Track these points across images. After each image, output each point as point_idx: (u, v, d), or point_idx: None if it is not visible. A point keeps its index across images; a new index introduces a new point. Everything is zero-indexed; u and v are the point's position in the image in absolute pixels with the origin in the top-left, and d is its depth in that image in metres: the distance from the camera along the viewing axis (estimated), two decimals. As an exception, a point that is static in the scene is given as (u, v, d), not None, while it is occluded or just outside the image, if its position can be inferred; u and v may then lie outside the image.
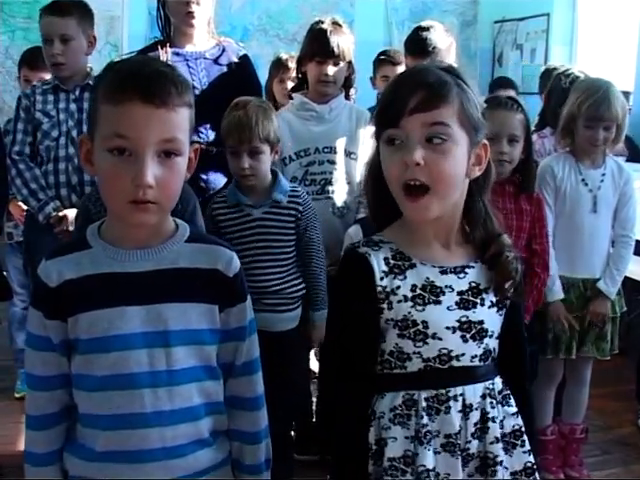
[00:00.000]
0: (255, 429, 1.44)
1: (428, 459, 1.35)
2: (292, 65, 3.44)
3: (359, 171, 2.75)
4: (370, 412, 1.40)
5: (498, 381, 1.44)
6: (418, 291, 1.36)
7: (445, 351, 1.37)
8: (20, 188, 2.79)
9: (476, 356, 1.40)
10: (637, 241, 2.98)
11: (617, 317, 2.91)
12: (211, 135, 2.65)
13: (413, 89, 1.31)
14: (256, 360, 1.44)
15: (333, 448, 1.44)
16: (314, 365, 3.22)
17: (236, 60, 2.80)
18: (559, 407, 3.02)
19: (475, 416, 1.38)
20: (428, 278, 1.37)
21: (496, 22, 6.65)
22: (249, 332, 1.41)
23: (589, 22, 5.95)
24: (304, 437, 2.85)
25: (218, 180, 2.69)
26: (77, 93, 2.86)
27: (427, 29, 2.91)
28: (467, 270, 1.40)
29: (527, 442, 1.43)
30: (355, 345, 1.39)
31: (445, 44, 2.90)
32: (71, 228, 2.65)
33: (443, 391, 1.37)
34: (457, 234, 1.42)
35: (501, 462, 1.39)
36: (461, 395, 1.38)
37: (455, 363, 1.38)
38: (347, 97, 2.93)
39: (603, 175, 2.82)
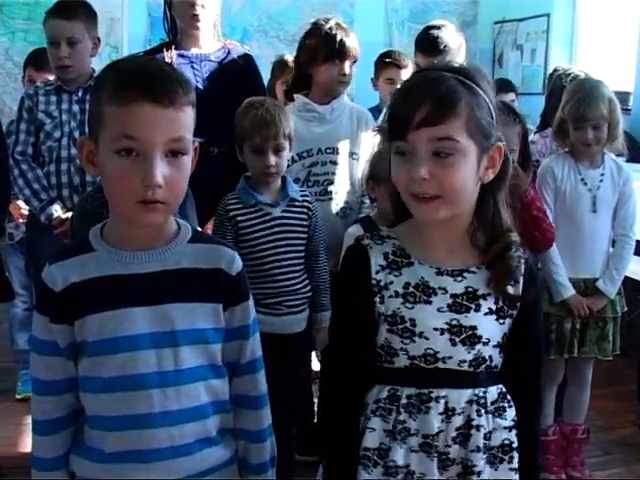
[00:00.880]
0: (259, 427, 1.45)
1: (398, 455, 1.37)
2: (295, 66, 3.44)
3: (361, 170, 2.75)
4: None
5: (493, 391, 1.41)
6: (411, 289, 1.37)
7: (431, 351, 1.37)
8: (22, 188, 2.80)
9: (465, 361, 1.38)
10: (638, 241, 2.99)
11: (618, 317, 2.91)
12: (214, 136, 2.64)
13: (420, 102, 1.29)
14: (259, 359, 1.44)
15: (326, 439, 1.46)
16: (315, 365, 3.22)
17: (240, 61, 2.80)
18: (560, 407, 3.03)
19: (458, 421, 1.37)
20: (423, 277, 1.37)
21: (496, 23, 6.66)
22: (252, 331, 1.42)
23: (589, 22, 5.95)
24: (304, 437, 2.86)
25: (219, 181, 2.69)
26: (80, 94, 2.87)
27: (438, 28, 2.93)
28: (466, 274, 1.39)
29: (516, 460, 1.41)
30: (352, 337, 1.40)
31: (456, 43, 2.92)
32: (73, 230, 2.65)
33: (425, 391, 1.37)
34: (466, 236, 1.41)
35: (479, 473, 1.37)
36: (443, 397, 1.37)
37: (441, 365, 1.37)
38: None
39: (602, 175, 2.82)
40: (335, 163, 2.79)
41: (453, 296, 1.37)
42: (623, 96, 4.80)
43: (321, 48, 2.72)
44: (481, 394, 1.39)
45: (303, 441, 2.83)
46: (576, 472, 2.96)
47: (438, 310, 1.37)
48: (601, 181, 2.82)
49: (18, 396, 3.54)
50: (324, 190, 2.77)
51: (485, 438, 1.38)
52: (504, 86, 4.96)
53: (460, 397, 1.37)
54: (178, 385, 1.32)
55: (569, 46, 6.05)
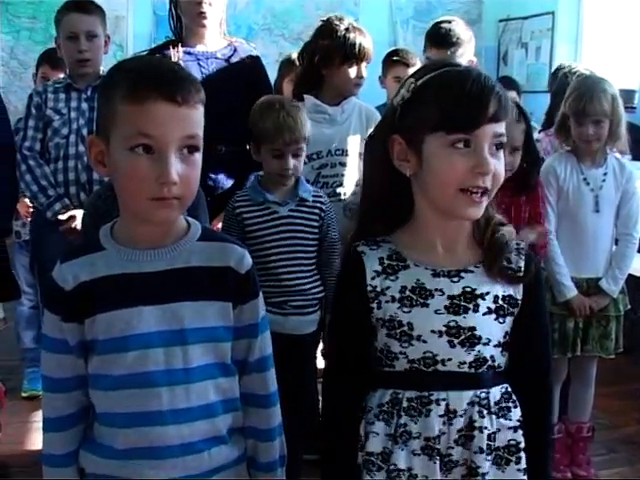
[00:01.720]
0: (269, 426, 1.44)
1: (400, 459, 1.36)
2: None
3: None
4: (363, 406, 1.41)
5: (496, 391, 1.40)
6: (407, 293, 1.36)
7: (430, 354, 1.36)
8: (30, 184, 2.80)
9: (465, 362, 1.37)
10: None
11: (621, 315, 2.90)
12: (221, 134, 2.65)
13: (489, 97, 1.29)
14: (269, 357, 1.44)
15: (324, 438, 1.46)
16: (320, 363, 3.22)
17: (247, 59, 2.80)
18: (565, 406, 3.02)
19: (459, 423, 1.36)
20: (419, 280, 1.36)
21: (501, 21, 6.65)
22: (261, 329, 1.42)
23: (594, 20, 5.94)
24: (311, 436, 2.86)
25: (226, 180, 2.70)
26: (89, 93, 2.88)
27: (449, 22, 2.98)
28: (463, 274, 1.38)
29: (523, 460, 1.40)
30: (348, 341, 1.41)
31: (467, 36, 2.95)
32: (79, 227, 2.65)
33: (426, 393, 1.36)
34: (465, 235, 1.40)
35: (484, 474, 1.37)
36: (444, 400, 1.36)
37: (440, 367, 1.37)
38: None
39: (605, 174, 2.81)
40: (344, 165, 2.79)
41: (450, 297, 1.36)
42: (628, 94, 4.80)
43: (338, 50, 2.70)
44: (483, 395, 1.38)
45: (309, 440, 2.84)
46: (582, 470, 2.95)
47: (435, 312, 1.36)
48: (604, 181, 2.81)
49: (24, 394, 3.56)
50: (333, 192, 2.77)
51: (489, 439, 1.37)
52: (507, 84, 4.95)
53: (461, 399, 1.37)
54: (187, 383, 1.32)
55: (574, 44, 6.04)
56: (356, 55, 2.71)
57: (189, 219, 1.40)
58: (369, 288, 1.37)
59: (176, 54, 2.68)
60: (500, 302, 1.39)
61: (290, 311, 2.42)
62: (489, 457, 1.37)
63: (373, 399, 1.41)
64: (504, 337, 1.40)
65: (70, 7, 2.87)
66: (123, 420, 1.32)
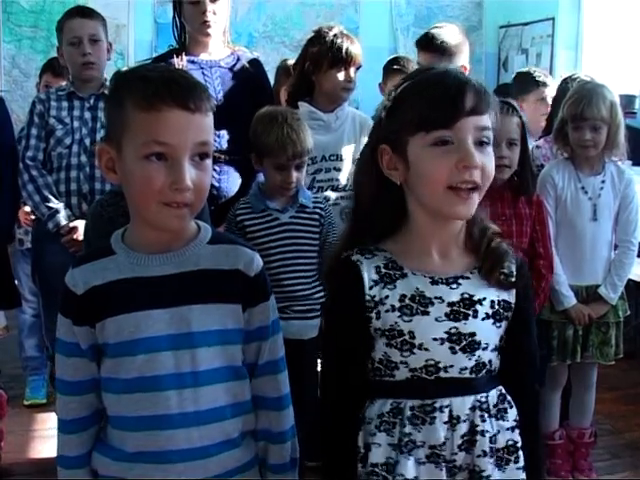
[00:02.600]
0: (280, 429, 1.44)
1: (407, 468, 1.35)
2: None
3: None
4: (361, 417, 1.41)
5: (494, 394, 1.41)
6: (407, 301, 1.35)
7: (432, 362, 1.36)
8: (32, 194, 2.79)
9: (466, 368, 1.37)
10: (640, 244, 2.97)
11: (620, 322, 2.89)
12: (224, 142, 2.66)
13: (465, 90, 1.29)
14: (281, 360, 1.45)
15: (323, 449, 1.46)
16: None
17: (250, 68, 2.82)
18: (566, 411, 3.02)
19: (462, 428, 1.36)
20: (418, 288, 1.36)
21: (501, 27, 6.66)
22: (272, 331, 1.43)
23: (594, 26, 5.94)
24: (312, 443, 2.85)
25: (230, 188, 2.71)
26: (92, 101, 2.88)
27: (438, 27, 3.00)
28: (461, 281, 1.37)
29: (522, 458, 1.41)
30: (345, 352, 1.40)
31: (454, 41, 2.93)
32: (80, 238, 2.65)
33: (429, 401, 1.36)
34: (459, 242, 1.41)
35: (488, 477, 1.37)
36: (447, 407, 1.36)
37: (443, 374, 1.36)
38: None
39: (603, 182, 2.80)
40: (339, 170, 2.81)
41: (450, 304, 1.36)
42: (629, 99, 4.80)
43: (326, 55, 2.74)
44: (483, 399, 1.38)
45: (311, 446, 2.84)
46: (584, 476, 2.95)
47: (436, 320, 1.35)
48: (602, 188, 2.80)
49: (26, 402, 3.56)
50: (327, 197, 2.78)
51: (491, 442, 1.38)
52: (504, 92, 4.96)
53: (463, 404, 1.37)
54: (196, 387, 1.33)
55: (574, 50, 6.04)
56: (343, 59, 2.73)
57: (200, 222, 1.41)
58: (367, 298, 1.36)
59: (180, 63, 2.69)
60: (496, 307, 1.39)
61: (292, 316, 2.45)
62: (491, 459, 1.38)
63: (372, 410, 1.40)
64: (500, 341, 1.41)
65: (72, 13, 2.91)
66: (133, 423, 1.33)
